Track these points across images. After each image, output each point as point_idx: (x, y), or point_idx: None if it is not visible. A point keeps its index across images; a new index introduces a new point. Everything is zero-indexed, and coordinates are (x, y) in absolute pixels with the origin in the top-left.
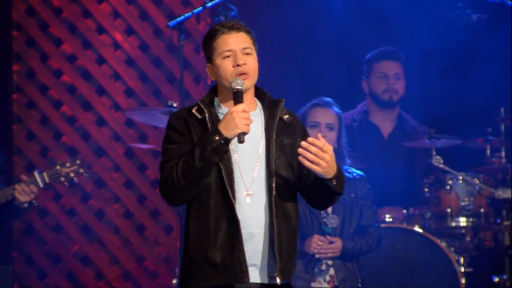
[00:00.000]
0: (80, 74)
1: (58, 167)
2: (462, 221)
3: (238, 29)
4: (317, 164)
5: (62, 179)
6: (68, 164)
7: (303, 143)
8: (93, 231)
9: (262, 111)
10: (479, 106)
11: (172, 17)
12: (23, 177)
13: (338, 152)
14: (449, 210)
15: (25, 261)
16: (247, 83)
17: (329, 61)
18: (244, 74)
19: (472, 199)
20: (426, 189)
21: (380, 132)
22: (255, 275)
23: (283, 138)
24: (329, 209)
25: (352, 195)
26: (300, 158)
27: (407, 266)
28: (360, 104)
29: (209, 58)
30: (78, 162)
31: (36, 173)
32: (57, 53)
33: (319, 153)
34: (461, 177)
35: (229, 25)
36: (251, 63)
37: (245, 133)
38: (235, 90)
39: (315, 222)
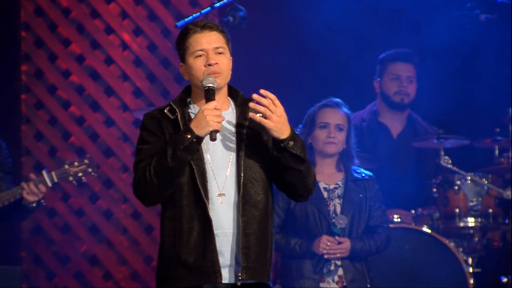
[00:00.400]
0: (88, 74)
1: (67, 167)
2: (471, 221)
3: (210, 28)
4: (268, 118)
5: (71, 178)
6: (76, 164)
7: (254, 95)
8: (101, 232)
9: (235, 110)
10: (487, 107)
11: (180, 18)
12: (32, 175)
13: (347, 153)
14: (457, 210)
15: (33, 261)
16: (219, 82)
17: (339, 60)
18: (215, 73)
19: (480, 199)
20: (435, 190)
21: (389, 132)
22: (227, 275)
23: (256, 135)
24: (338, 210)
25: (361, 196)
26: (251, 114)
27: (416, 267)
28: (370, 104)
29: (182, 58)
30: (86, 161)
31: (44, 172)
32: (65, 54)
33: (270, 106)
34: (469, 178)
35: (202, 24)
36: (224, 63)
37: (217, 131)
38: (206, 88)
39: (324, 223)
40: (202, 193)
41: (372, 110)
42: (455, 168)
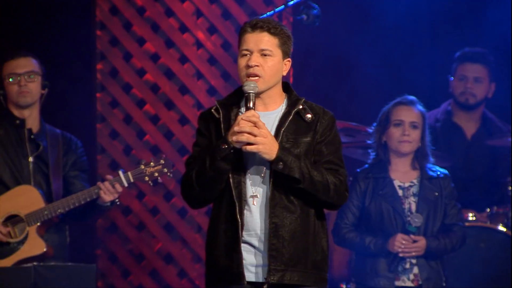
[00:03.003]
0: (163, 73)
1: (143, 167)
2: None
3: (261, 28)
4: (255, 142)
5: (147, 178)
6: (152, 164)
7: (236, 127)
8: (176, 230)
9: (283, 110)
10: None
11: (254, 16)
12: (108, 176)
13: (422, 151)
14: None
15: (109, 259)
16: (260, 86)
17: (413, 58)
18: (253, 76)
19: None
20: (510, 188)
21: (463, 133)
22: (253, 277)
23: (300, 136)
24: (413, 208)
25: (436, 194)
26: (243, 148)
27: (491, 265)
28: (445, 103)
29: None
30: (162, 161)
31: (121, 172)
32: (140, 52)
33: (254, 130)
34: None
35: (254, 22)
36: (267, 66)
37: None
38: (247, 94)
39: (399, 221)
40: (234, 194)
41: (446, 110)
42: None
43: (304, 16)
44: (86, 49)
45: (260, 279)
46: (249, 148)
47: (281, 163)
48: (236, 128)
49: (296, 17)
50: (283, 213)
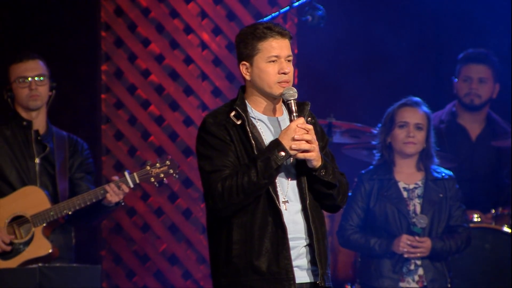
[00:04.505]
0: (167, 74)
1: (148, 168)
2: None
3: (285, 35)
4: (310, 150)
5: (152, 179)
6: (158, 165)
7: (296, 135)
8: (181, 231)
9: (288, 116)
10: None
11: (259, 17)
12: (114, 177)
13: (426, 152)
14: None
15: (113, 260)
16: None
17: (417, 60)
18: (287, 82)
19: None
20: None
21: (468, 134)
22: (302, 281)
23: None
24: (418, 209)
25: (441, 195)
26: (299, 155)
27: (496, 266)
28: (449, 104)
29: (248, 57)
30: (168, 163)
31: (126, 173)
32: (145, 53)
33: (312, 140)
34: None
35: (278, 30)
36: (291, 71)
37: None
38: (290, 100)
39: (403, 222)
40: (276, 200)
41: (451, 111)
42: None
43: (309, 17)
44: (91, 50)
45: (309, 284)
46: (307, 155)
47: (323, 170)
48: (297, 136)
49: (301, 18)
50: (316, 217)
